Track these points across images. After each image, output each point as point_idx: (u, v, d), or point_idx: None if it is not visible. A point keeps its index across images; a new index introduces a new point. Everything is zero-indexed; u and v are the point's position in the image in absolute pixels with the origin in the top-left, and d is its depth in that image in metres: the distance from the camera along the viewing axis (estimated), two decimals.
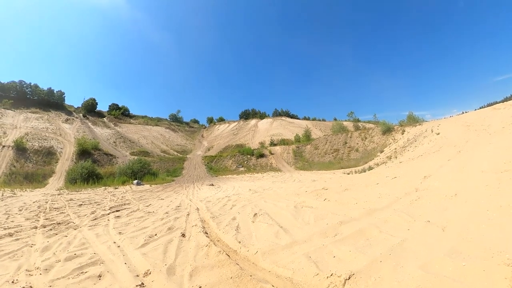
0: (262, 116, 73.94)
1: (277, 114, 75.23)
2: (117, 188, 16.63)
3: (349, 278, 2.72)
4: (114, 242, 4.89)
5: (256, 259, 3.71)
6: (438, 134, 18.25)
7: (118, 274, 3.47)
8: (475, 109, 22.70)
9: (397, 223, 4.20)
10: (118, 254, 4.21)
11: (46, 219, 7.17)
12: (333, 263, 3.18)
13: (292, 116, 74.03)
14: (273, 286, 2.76)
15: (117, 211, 8.32)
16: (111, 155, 30.39)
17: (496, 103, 21.68)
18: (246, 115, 75.73)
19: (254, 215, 6.13)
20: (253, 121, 68.53)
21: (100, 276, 3.41)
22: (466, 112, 23.55)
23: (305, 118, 72.56)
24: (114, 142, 39.96)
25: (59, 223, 6.60)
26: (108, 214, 7.81)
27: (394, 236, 3.67)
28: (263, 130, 58.04)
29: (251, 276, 3.03)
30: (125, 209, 8.69)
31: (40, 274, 3.49)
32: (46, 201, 10.67)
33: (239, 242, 4.40)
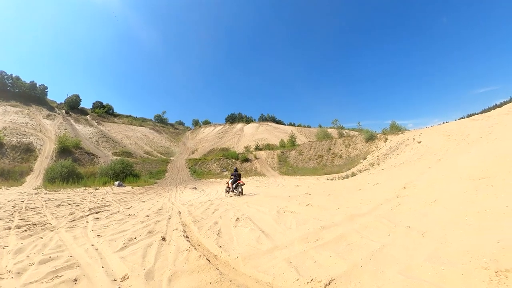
0: (248, 120, 73.96)
1: (263, 119, 75.45)
2: (97, 189, 16.12)
3: (329, 283, 2.67)
4: (92, 245, 4.69)
5: (237, 264, 3.62)
6: (420, 142, 18.74)
7: (95, 278, 3.31)
8: (455, 120, 23.45)
9: (378, 229, 4.21)
10: (96, 258, 4.03)
11: (21, 219, 6.79)
12: (313, 268, 3.13)
13: (278, 122, 74.49)
14: None
15: (96, 212, 8.04)
16: (92, 154, 29.42)
17: (475, 114, 22.56)
18: (232, 119, 75.40)
19: (236, 220, 6.04)
20: (239, 125, 68.47)
21: (76, 280, 3.24)
22: (446, 122, 24.30)
23: (290, 124, 73.12)
24: (97, 141, 38.77)
25: (35, 224, 6.27)
26: (87, 215, 7.52)
27: (374, 241, 3.67)
28: (249, 135, 58.04)
29: (231, 281, 2.95)
30: (105, 211, 8.41)
31: (12, 277, 3.28)
32: (22, 200, 10.14)
33: (220, 246, 4.31)
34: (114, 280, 3.25)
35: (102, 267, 3.65)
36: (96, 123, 48.55)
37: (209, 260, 3.66)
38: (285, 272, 3.11)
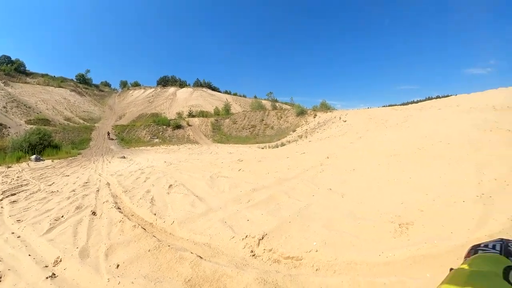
0: (182, 84, 69.55)
1: (199, 84, 71.63)
2: (10, 167, 13.44)
3: (262, 238, 2.89)
4: (13, 233, 3.95)
5: (173, 229, 3.62)
6: (345, 121, 20.51)
7: (23, 270, 2.84)
8: (378, 107, 26.11)
9: (303, 190, 4.64)
10: (20, 246, 3.43)
11: None
12: (247, 226, 3.32)
13: (214, 89, 71.83)
14: (192, 253, 2.70)
15: (12, 195, 6.75)
16: (0, 124, 24.59)
17: (396, 105, 25.80)
18: (164, 82, 69.75)
19: (169, 187, 5.96)
20: (171, 89, 64.31)
21: (0, 277, 2.73)
22: (370, 108, 26.96)
23: (226, 92, 71.39)
24: (5, 106, 31.52)
25: None
26: (1, 200, 6.30)
27: (300, 201, 4.07)
28: (182, 100, 55.46)
29: (169, 246, 2.92)
30: (22, 191, 7.14)
31: None
32: None
33: (155, 214, 4.21)
34: (46, 266, 2.86)
35: (29, 255, 3.14)
36: (3, 84, 38.99)
37: (144, 229, 3.54)
38: (221, 232, 3.23)
